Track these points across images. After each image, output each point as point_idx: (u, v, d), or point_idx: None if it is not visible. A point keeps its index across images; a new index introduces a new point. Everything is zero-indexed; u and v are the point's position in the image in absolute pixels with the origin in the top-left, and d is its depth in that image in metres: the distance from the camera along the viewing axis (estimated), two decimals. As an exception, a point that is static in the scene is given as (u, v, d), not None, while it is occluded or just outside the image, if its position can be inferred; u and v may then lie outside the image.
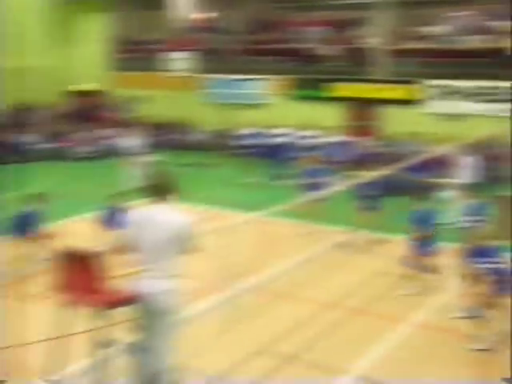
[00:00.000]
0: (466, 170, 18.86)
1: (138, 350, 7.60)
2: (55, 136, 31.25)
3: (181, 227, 7.54)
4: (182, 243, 7.54)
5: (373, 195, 16.66)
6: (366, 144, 26.08)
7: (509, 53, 25.04)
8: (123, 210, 13.55)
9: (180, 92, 32.01)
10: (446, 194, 18.06)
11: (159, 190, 7.66)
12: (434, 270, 13.43)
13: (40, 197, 15.09)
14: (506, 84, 24.69)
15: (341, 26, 30.31)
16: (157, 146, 29.22)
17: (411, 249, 13.57)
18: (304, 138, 26.78)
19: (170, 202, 7.73)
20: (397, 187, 20.63)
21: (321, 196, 15.56)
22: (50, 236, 14.52)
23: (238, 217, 13.84)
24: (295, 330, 11.90)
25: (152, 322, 7.41)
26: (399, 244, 15.21)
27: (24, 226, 14.34)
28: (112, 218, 14.83)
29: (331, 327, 12.04)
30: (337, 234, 17.40)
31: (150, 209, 7.68)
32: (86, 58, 34.57)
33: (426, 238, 13.28)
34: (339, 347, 11.08)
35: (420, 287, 13.23)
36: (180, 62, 32.46)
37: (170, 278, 7.52)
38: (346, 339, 11.42)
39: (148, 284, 7.38)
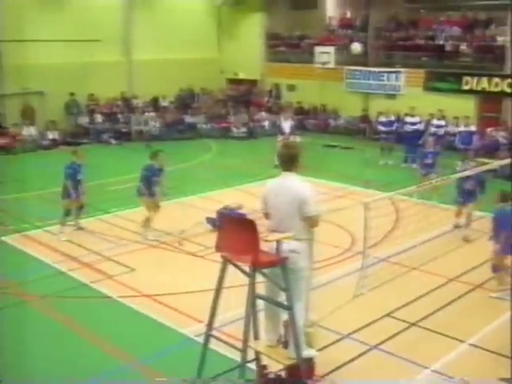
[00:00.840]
0: None
1: (279, 306, 7.76)
2: (216, 118, 32.88)
3: (300, 193, 7.59)
4: (302, 208, 7.54)
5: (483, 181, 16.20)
6: (495, 134, 26.02)
7: None
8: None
9: (325, 82, 32.34)
10: None
11: (287, 161, 7.80)
12: None
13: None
14: None
15: (474, 25, 30.22)
16: (304, 129, 30.99)
17: None
18: (436, 126, 26.95)
19: (297, 172, 7.86)
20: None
21: (448, 180, 15.40)
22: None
23: (373, 195, 14.21)
24: (421, 299, 12.31)
25: (288, 281, 7.39)
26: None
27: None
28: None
29: (453, 298, 12.34)
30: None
31: (279, 178, 7.86)
32: (243, 52, 35.75)
33: None
34: (458, 317, 11.52)
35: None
36: (326, 55, 32.67)
37: (297, 240, 7.56)
38: (465, 311, 11.83)
39: (282, 246, 7.43)
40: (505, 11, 28.00)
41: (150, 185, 15.64)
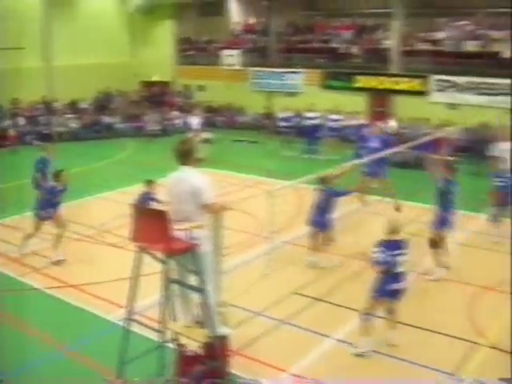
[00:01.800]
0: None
1: (191, 289, 7.70)
2: (131, 117, 32.39)
3: (196, 183, 7.52)
4: (199, 197, 7.47)
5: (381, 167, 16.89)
6: (381, 127, 26.47)
7: (501, 56, 26.45)
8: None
9: (231, 82, 32.91)
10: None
11: (182, 156, 7.72)
12: None
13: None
14: (498, 80, 25.62)
15: (363, 30, 31.13)
16: (213, 126, 31.03)
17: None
18: (332, 120, 27.36)
19: (193, 166, 7.74)
20: (407, 162, 22.17)
21: (345, 167, 15.16)
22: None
23: (277, 183, 14.56)
24: (324, 277, 12.61)
25: (196, 265, 7.35)
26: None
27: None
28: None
29: (353, 274, 12.65)
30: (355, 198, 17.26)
31: (178, 172, 7.76)
32: (156, 55, 35.65)
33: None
34: (359, 290, 11.46)
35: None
36: (232, 58, 33.11)
37: (198, 228, 7.49)
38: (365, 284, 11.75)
39: (187, 233, 7.38)
40: (389, 18, 29.05)
41: (48, 206, 13.80)
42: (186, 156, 7.74)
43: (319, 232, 13.14)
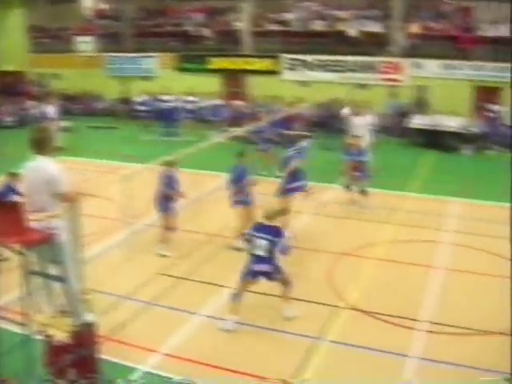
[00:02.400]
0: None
1: (53, 279, 7.55)
2: None
3: (50, 172, 7.29)
4: (53, 186, 7.27)
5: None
6: (238, 106, 27.29)
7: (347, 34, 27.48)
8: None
9: (87, 69, 32.22)
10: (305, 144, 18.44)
11: (37, 145, 7.47)
12: None
13: None
14: (344, 58, 26.85)
15: (214, 12, 31.35)
16: (70, 114, 30.22)
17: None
18: (188, 102, 27.71)
19: (49, 155, 7.48)
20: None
21: (200, 147, 15.58)
22: None
23: (135, 167, 14.08)
24: (188, 256, 12.64)
25: (55, 255, 7.24)
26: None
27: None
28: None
29: (214, 254, 12.81)
30: (216, 178, 17.24)
31: (32, 162, 7.49)
32: (7, 45, 34.21)
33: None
34: (221, 268, 12.05)
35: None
36: (86, 44, 32.65)
37: (55, 217, 7.34)
38: (225, 262, 12.22)
39: (44, 223, 7.22)
40: (240, 0, 29.54)
41: None
42: (41, 145, 7.45)
43: (166, 216, 13.02)
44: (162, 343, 9.23)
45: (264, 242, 9.62)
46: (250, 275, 9.78)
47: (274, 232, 9.71)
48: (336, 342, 9.26)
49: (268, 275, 9.77)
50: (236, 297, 9.82)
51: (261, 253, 9.63)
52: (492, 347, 9.15)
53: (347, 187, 16.11)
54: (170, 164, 13.02)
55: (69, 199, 7.46)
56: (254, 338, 9.46)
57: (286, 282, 9.88)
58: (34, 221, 7.16)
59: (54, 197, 7.31)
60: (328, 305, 10.47)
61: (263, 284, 10.04)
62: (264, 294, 10.43)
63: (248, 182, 13.05)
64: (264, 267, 9.68)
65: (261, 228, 9.81)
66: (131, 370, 8.52)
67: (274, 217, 9.98)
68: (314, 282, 11.45)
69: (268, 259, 9.64)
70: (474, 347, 9.16)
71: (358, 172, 15.79)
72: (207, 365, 8.60)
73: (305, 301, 10.52)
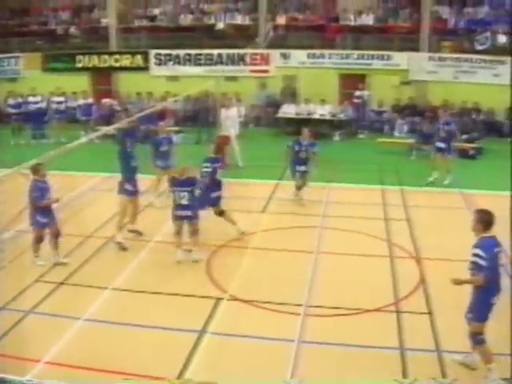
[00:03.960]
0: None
1: None
2: None
3: None
4: None
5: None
6: (108, 104, 26.71)
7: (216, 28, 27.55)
8: None
9: None
10: (175, 139, 18.06)
11: None
12: None
13: None
14: (213, 51, 27.00)
15: (80, 9, 30.66)
16: None
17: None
18: (57, 102, 26.77)
19: None
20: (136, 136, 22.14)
21: (69, 148, 13.91)
22: None
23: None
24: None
25: None
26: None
27: None
28: None
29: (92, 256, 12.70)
30: (90, 178, 17.72)
31: None
32: None
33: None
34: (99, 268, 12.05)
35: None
36: None
37: None
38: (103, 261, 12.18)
39: None
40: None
41: None
42: None
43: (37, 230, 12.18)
44: (45, 352, 8.78)
45: (184, 193, 11.74)
46: (178, 219, 11.89)
47: (190, 183, 11.81)
48: (220, 334, 9.19)
49: (189, 219, 11.87)
50: (176, 235, 11.98)
51: (183, 201, 11.78)
52: (374, 324, 9.45)
53: None
54: (35, 170, 11.97)
55: None
56: (135, 338, 9.23)
57: (196, 228, 11.98)
58: None
59: None
60: (209, 297, 10.42)
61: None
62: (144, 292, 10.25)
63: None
64: (186, 212, 11.82)
65: (178, 182, 11.82)
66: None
67: (184, 172, 11.85)
68: (193, 276, 11.41)
69: (189, 206, 11.81)
70: (358, 326, 9.40)
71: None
72: (90, 369, 8.30)
73: (186, 296, 10.47)
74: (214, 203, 13.03)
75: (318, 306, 9.99)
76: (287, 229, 13.87)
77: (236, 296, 10.44)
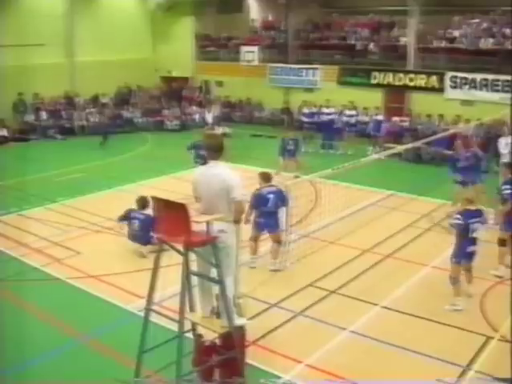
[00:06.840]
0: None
1: (210, 281, 7.71)
2: (151, 112, 32.65)
3: (227, 179, 7.52)
4: (229, 192, 7.48)
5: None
6: (399, 122, 26.79)
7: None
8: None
9: (250, 78, 32.67)
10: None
11: (212, 151, 7.73)
12: None
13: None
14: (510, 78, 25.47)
15: (379, 27, 30.95)
16: (231, 121, 31.13)
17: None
18: (348, 115, 27.45)
19: (222, 160, 7.72)
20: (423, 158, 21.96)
21: (360, 163, 15.22)
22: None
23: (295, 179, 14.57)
24: (339, 270, 12.53)
25: (218, 258, 7.36)
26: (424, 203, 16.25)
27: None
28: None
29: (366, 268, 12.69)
30: (376, 194, 17.96)
31: (207, 166, 7.83)
32: (176, 52, 35.42)
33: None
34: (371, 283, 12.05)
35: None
36: (251, 54, 33.17)
37: (225, 222, 7.51)
38: (377, 277, 12.27)
39: (213, 227, 7.36)
40: (405, 15, 28.98)
41: None
42: (216, 151, 7.73)
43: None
44: (308, 354, 9.17)
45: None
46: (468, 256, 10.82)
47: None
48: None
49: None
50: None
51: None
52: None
53: None
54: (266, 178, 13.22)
55: (241, 207, 7.74)
56: (395, 359, 9.15)
57: None
58: (201, 222, 7.36)
59: (228, 202, 7.56)
60: (480, 334, 10.00)
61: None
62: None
63: None
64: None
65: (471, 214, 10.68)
66: (275, 377, 8.59)
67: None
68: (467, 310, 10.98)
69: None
70: None
71: None
72: (341, 377, 8.57)
73: (455, 327, 10.21)
74: None
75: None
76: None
77: (506, 337, 9.79)
